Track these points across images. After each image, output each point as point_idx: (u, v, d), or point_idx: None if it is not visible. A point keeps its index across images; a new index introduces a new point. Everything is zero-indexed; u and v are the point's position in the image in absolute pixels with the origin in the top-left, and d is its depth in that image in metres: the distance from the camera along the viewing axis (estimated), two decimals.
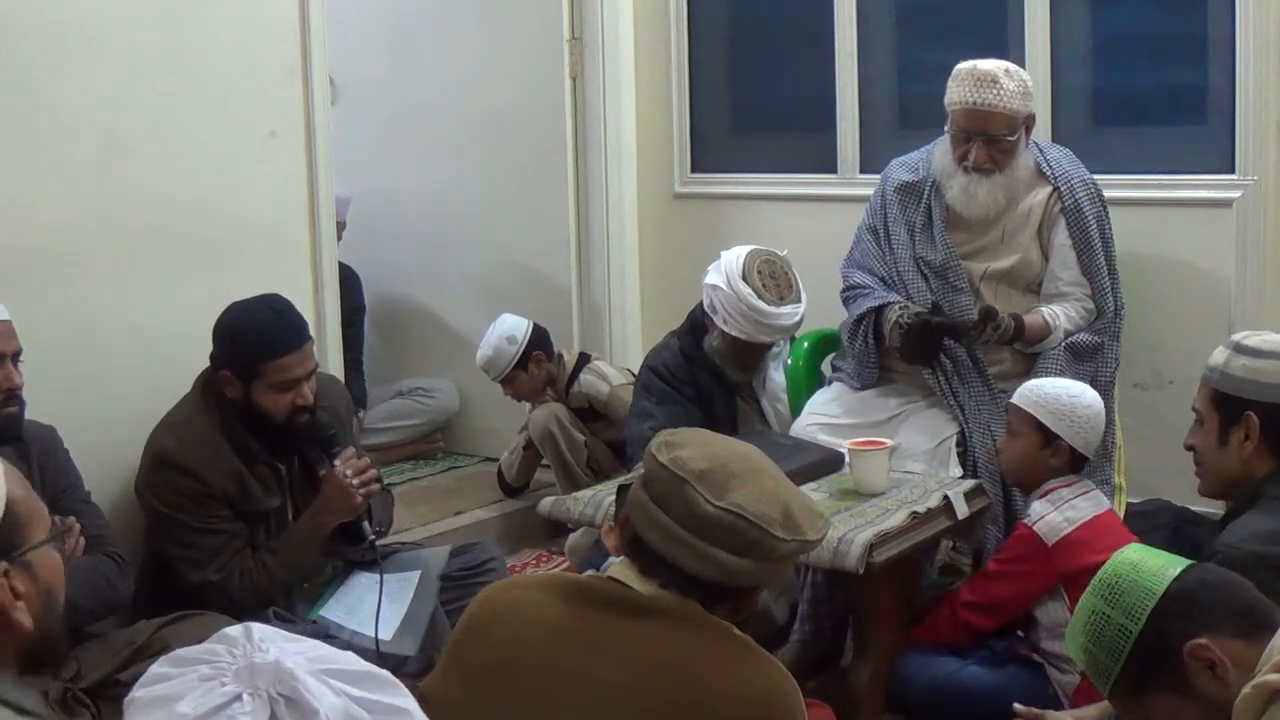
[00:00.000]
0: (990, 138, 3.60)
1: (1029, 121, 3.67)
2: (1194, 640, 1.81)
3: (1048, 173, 3.70)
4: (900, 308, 3.62)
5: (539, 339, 4.46)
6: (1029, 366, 3.64)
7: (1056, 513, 3.01)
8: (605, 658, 1.86)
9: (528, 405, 4.56)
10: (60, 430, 3.00)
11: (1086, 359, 3.62)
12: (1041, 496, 3.08)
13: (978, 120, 3.60)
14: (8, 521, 1.66)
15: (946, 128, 3.69)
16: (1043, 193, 3.69)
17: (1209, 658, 1.80)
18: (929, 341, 3.57)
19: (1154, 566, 1.90)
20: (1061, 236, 3.68)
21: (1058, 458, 3.08)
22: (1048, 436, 3.08)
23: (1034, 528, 3.02)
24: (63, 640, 1.86)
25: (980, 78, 3.57)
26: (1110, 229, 3.72)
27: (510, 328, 4.45)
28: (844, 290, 3.83)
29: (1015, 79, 3.60)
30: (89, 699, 2.57)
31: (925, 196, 3.74)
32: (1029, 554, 3.02)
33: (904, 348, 3.59)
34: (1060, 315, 3.65)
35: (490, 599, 1.99)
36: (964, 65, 3.64)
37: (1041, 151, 3.74)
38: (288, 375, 3.07)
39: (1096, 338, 3.65)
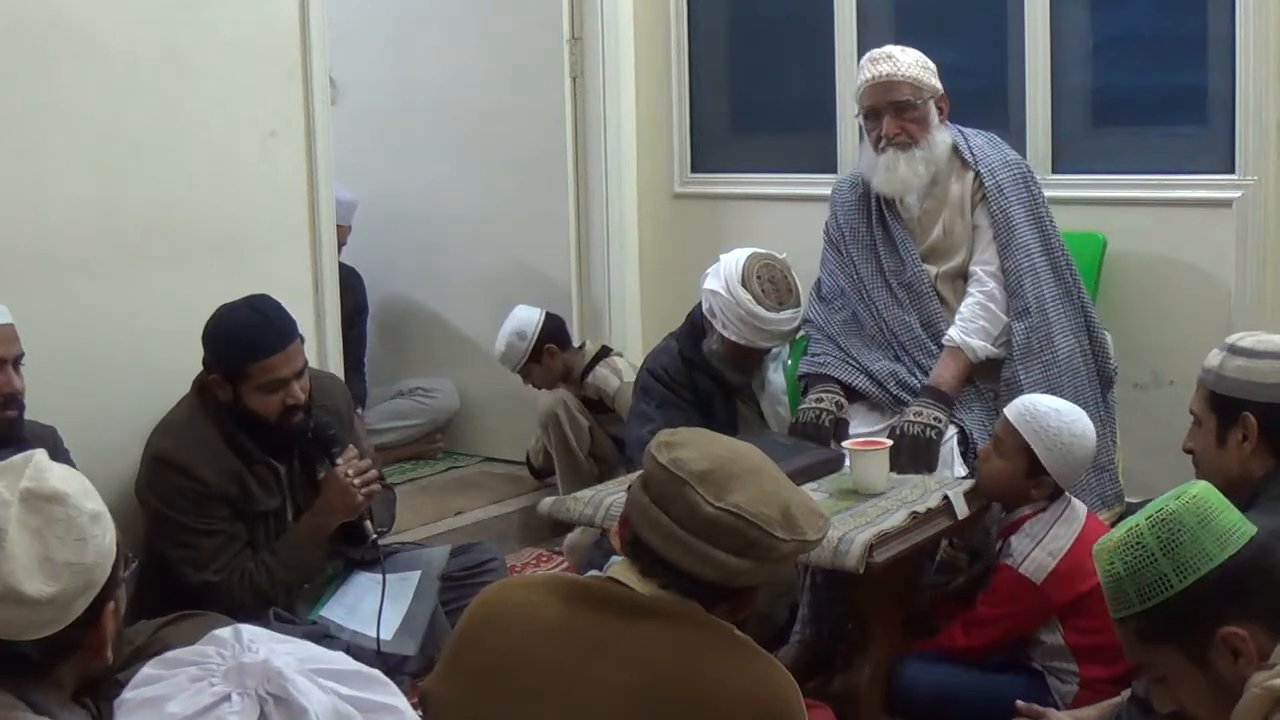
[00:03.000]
0: (897, 106, 3.64)
1: (939, 100, 3.69)
2: (1232, 628, 1.77)
3: (969, 159, 3.72)
4: (805, 408, 3.65)
5: (551, 331, 4.47)
6: (1000, 368, 3.62)
7: (1039, 548, 2.98)
8: (605, 658, 1.86)
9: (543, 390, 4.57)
10: (60, 430, 3.00)
11: (1043, 351, 3.57)
12: (1018, 525, 3.04)
13: (880, 92, 3.66)
14: (116, 557, 1.71)
15: (861, 120, 3.75)
16: (967, 179, 3.71)
17: (1239, 648, 1.78)
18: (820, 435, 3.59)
19: (1220, 528, 1.82)
20: (980, 218, 3.69)
21: (1040, 490, 3.04)
22: (1035, 467, 3.02)
23: (1020, 569, 2.99)
24: (112, 667, 1.89)
25: (875, 57, 3.70)
26: (1045, 211, 3.69)
27: (521, 323, 4.46)
28: (802, 325, 3.80)
29: (911, 54, 3.69)
30: (88, 699, 2.57)
31: (873, 208, 3.76)
32: (1018, 595, 3.00)
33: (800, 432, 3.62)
34: (958, 336, 3.59)
35: (489, 599, 1.99)
36: (862, 58, 3.76)
37: (966, 139, 3.76)
38: (273, 376, 3.07)
39: (1028, 326, 3.57)
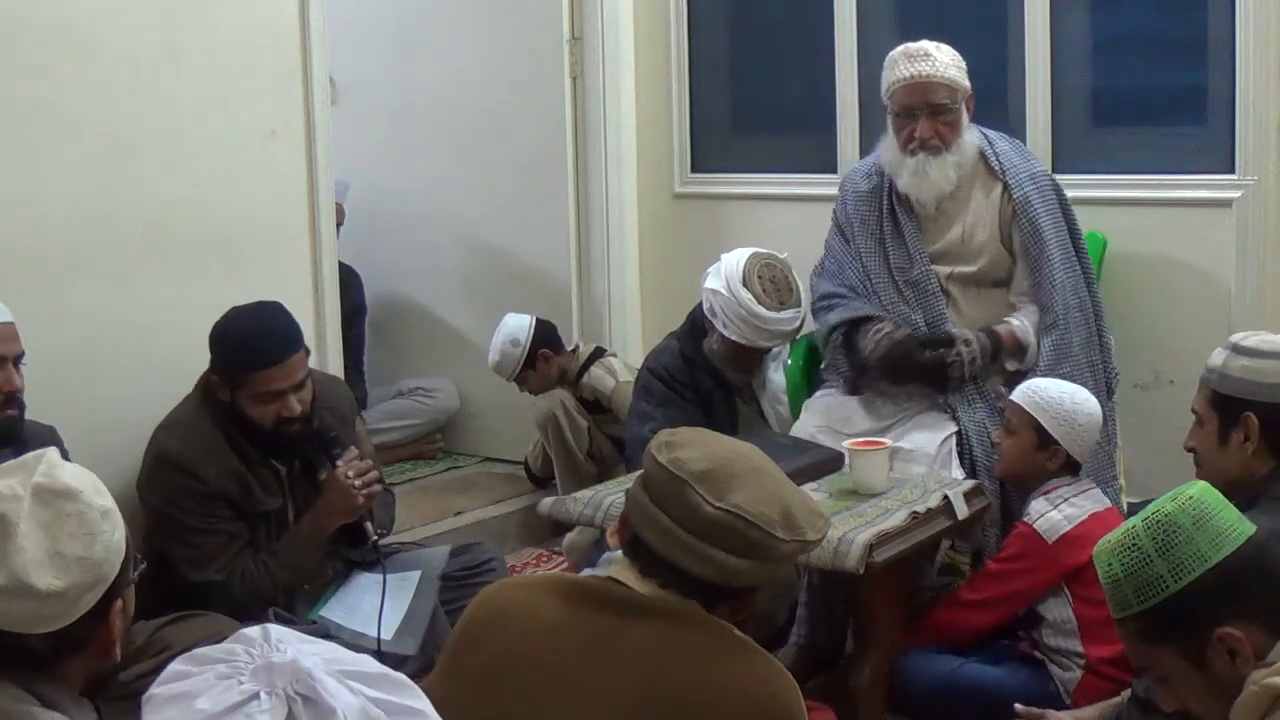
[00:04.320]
0: (933, 109, 3.57)
1: (968, 100, 3.64)
2: (1228, 629, 1.78)
3: (996, 168, 3.67)
4: (878, 330, 3.58)
5: (544, 336, 4.46)
6: (1012, 372, 3.63)
7: (1056, 510, 3.03)
8: (605, 658, 1.86)
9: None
10: (60, 430, 3.00)
11: (1063, 362, 3.55)
12: (1041, 495, 3.09)
13: (918, 92, 3.58)
14: (125, 556, 1.72)
15: (889, 115, 3.67)
16: (995, 191, 3.66)
17: (1235, 649, 1.78)
18: (909, 365, 3.56)
19: (1216, 529, 1.82)
20: (1017, 236, 3.65)
21: (1054, 461, 3.11)
22: (1045, 439, 3.10)
23: (1034, 525, 3.04)
24: (116, 666, 1.90)
25: (912, 54, 3.60)
26: (1071, 221, 3.66)
27: (513, 330, 4.45)
28: (816, 300, 3.79)
29: (946, 52, 3.61)
30: (89, 698, 2.56)
31: (885, 201, 3.72)
32: (1029, 552, 3.04)
33: (883, 366, 3.57)
34: (1031, 328, 3.60)
35: (489, 599, 1.99)
36: (893, 51, 3.66)
37: (991, 144, 3.71)
38: (269, 387, 3.06)
39: (1054, 340, 3.56)
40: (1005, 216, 3.65)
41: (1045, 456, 3.11)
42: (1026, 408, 3.12)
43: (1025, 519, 3.08)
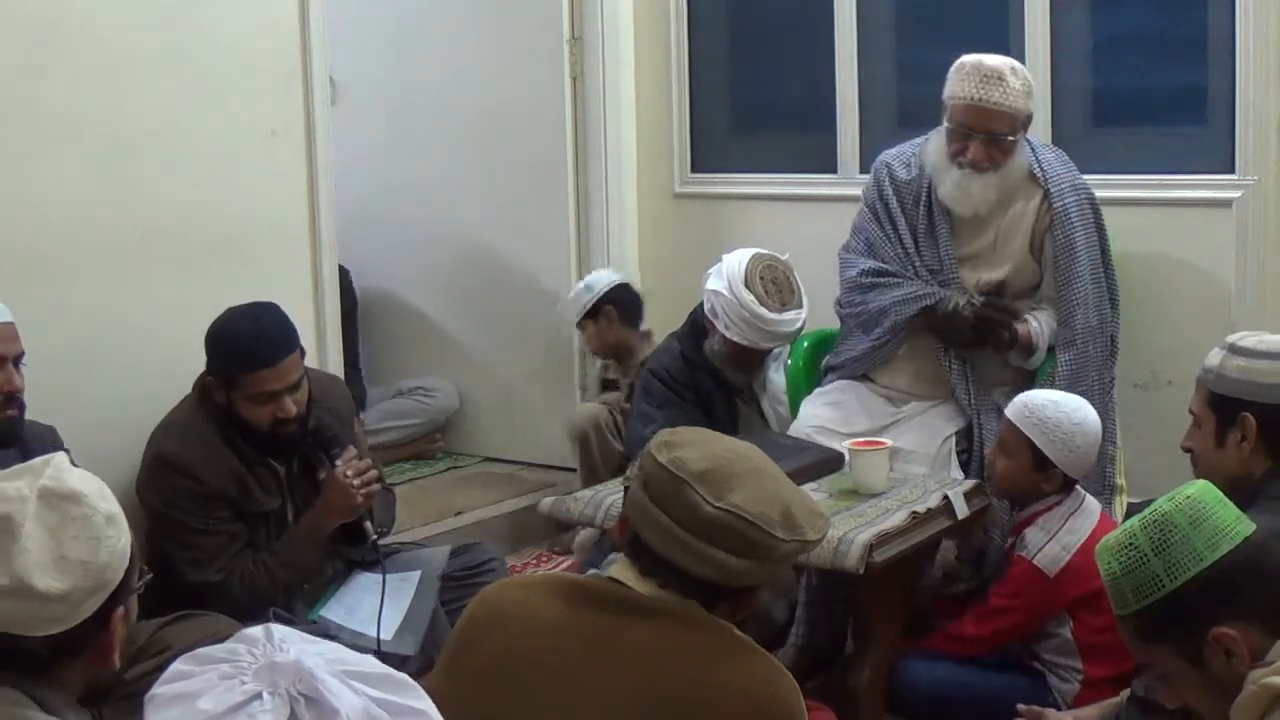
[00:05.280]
0: (991, 136, 3.54)
1: (1027, 122, 3.63)
2: (1223, 629, 1.78)
3: (1039, 176, 3.64)
4: (957, 303, 3.57)
5: (619, 297, 4.47)
6: (1023, 375, 3.64)
7: (1054, 541, 2.98)
8: (605, 658, 1.86)
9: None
10: (60, 430, 3.00)
11: (1079, 382, 3.55)
12: (1033, 520, 3.04)
13: (980, 117, 3.53)
14: (130, 563, 1.73)
15: (944, 121, 3.62)
16: (1035, 199, 3.64)
17: (1231, 648, 1.79)
18: (1002, 321, 3.57)
19: (1212, 528, 1.83)
20: (1049, 246, 3.64)
21: (1050, 484, 3.04)
22: (1041, 462, 3.02)
23: (1034, 561, 2.99)
24: (117, 674, 1.90)
25: (986, 74, 3.51)
26: (1104, 237, 3.67)
27: (594, 278, 4.51)
28: (861, 275, 3.74)
29: (1020, 78, 3.55)
30: (91, 704, 2.56)
31: (923, 198, 3.69)
32: (1030, 588, 3.00)
33: (977, 326, 3.56)
34: (1046, 332, 3.61)
35: (489, 599, 1.99)
36: (969, 59, 3.57)
37: (1035, 152, 3.68)
38: (264, 388, 3.06)
39: (1072, 357, 3.56)
40: (1041, 225, 3.64)
41: (1042, 479, 3.03)
42: (1023, 429, 3.03)
43: (1024, 553, 3.02)
